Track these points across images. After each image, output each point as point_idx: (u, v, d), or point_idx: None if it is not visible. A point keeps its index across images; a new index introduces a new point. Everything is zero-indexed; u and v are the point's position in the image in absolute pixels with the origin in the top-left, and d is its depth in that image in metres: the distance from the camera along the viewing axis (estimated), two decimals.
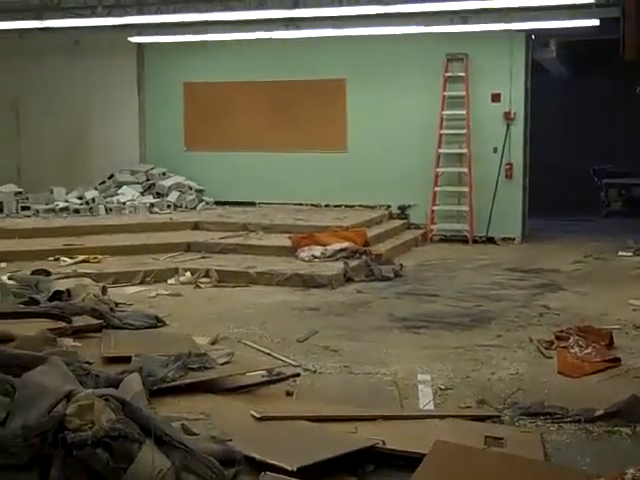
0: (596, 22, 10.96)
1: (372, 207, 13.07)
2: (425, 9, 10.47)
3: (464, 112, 12.53)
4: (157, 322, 6.82)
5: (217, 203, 13.60)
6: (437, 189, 12.76)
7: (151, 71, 14.22)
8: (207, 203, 13.51)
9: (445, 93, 12.64)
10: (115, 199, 12.98)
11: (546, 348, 6.40)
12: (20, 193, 12.85)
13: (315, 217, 12.18)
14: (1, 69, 13.93)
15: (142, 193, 13.37)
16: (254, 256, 10.17)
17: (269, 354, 6.21)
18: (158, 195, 13.38)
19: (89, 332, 5.83)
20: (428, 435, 4.21)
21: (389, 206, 13.09)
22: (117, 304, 7.31)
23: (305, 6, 10.77)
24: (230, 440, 3.88)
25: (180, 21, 11.44)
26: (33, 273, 8.36)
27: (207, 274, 9.28)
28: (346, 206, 13.17)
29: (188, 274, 9.31)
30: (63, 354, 4.55)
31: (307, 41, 12.67)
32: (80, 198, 12.91)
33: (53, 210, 12.47)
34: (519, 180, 12.70)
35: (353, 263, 9.68)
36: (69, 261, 9.61)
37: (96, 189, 13.29)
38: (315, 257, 9.91)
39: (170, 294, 8.64)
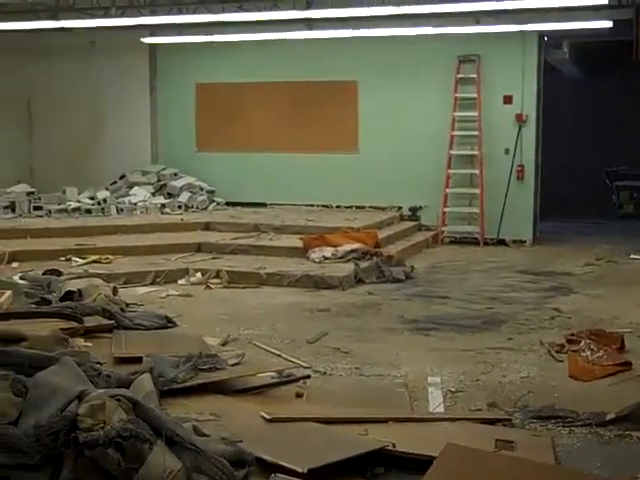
0: (609, 24, 10.93)
1: (383, 208, 13.07)
2: (437, 10, 10.47)
3: (476, 114, 12.50)
4: (168, 323, 6.80)
5: (228, 204, 13.62)
6: (448, 191, 12.75)
7: (164, 72, 14.26)
8: (218, 204, 13.53)
9: (457, 95, 12.63)
10: (126, 199, 13.03)
11: (557, 351, 6.38)
12: (32, 193, 12.90)
13: (326, 218, 12.18)
14: (14, 69, 13.98)
15: (153, 194, 13.42)
16: (265, 257, 10.19)
17: (279, 355, 6.21)
18: (169, 196, 13.41)
19: (100, 332, 5.82)
20: (438, 438, 4.20)
21: (400, 207, 13.08)
22: (128, 304, 7.30)
23: (318, 7, 10.77)
24: (240, 441, 3.88)
25: (193, 22, 11.47)
26: (45, 273, 8.38)
27: (218, 275, 9.30)
28: (357, 207, 13.18)
29: (199, 275, 9.34)
30: (75, 354, 4.55)
31: (320, 42, 12.69)
32: (92, 198, 12.96)
33: (65, 210, 12.52)
34: (530, 182, 12.67)
35: (364, 264, 9.68)
36: (80, 261, 9.64)
37: (108, 189, 13.34)
38: (326, 258, 9.91)
39: (181, 295, 8.67)
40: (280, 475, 3.63)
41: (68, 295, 6.95)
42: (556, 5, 10.10)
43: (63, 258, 9.74)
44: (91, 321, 5.92)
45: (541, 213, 13.21)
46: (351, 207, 13.21)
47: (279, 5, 10.93)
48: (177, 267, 9.60)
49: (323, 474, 3.71)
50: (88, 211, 12.58)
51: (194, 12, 11.48)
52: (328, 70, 13.16)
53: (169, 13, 11.67)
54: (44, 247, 10.18)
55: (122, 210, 12.76)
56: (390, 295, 8.79)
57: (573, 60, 14.51)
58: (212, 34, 12.54)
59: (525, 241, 12.62)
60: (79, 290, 6.98)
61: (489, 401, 5.19)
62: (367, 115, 13.17)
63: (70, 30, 12.12)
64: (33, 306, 6.69)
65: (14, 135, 14.32)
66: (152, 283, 9.11)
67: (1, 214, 12.27)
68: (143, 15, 11.57)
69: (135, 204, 12.89)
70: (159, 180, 13.75)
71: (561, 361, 6.16)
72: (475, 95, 12.52)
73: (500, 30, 11.73)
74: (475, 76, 12.50)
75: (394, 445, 4.10)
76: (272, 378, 5.29)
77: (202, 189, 13.61)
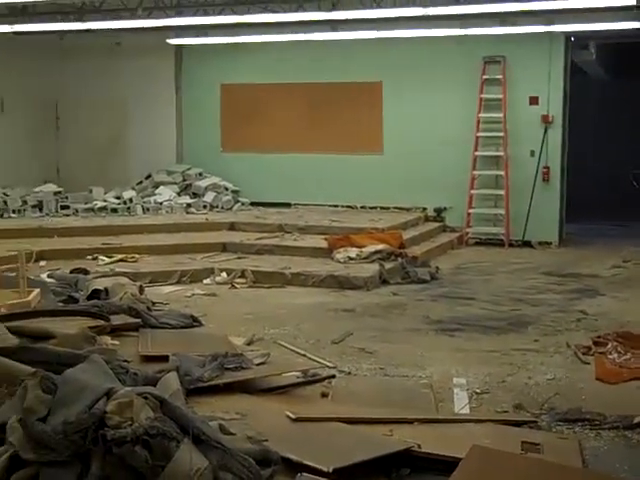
0: (637, 24, 10.83)
1: (408, 209, 13.04)
2: (463, 11, 10.43)
3: (501, 115, 12.44)
4: (193, 322, 6.85)
5: (253, 204, 13.65)
6: (473, 192, 12.70)
7: (189, 73, 14.33)
8: (243, 204, 13.57)
9: (482, 96, 12.57)
10: (152, 199, 13.11)
11: (584, 354, 6.33)
12: (60, 193, 13.03)
13: (350, 219, 12.18)
14: (42, 70, 14.12)
15: (179, 193, 13.49)
16: (290, 257, 10.20)
17: (304, 355, 6.22)
18: (194, 195, 13.47)
19: (126, 331, 5.87)
20: (464, 439, 4.18)
21: (425, 208, 13.04)
22: (154, 303, 7.37)
23: (343, 8, 10.77)
24: (266, 440, 3.89)
25: (218, 23, 11.51)
26: (72, 272, 8.48)
27: (243, 274, 9.34)
28: (382, 208, 13.16)
29: (224, 274, 9.37)
30: (103, 352, 4.59)
31: (345, 43, 12.69)
32: (118, 198, 13.06)
33: (92, 210, 12.62)
34: (556, 183, 12.58)
35: (388, 265, 9.67)
36: (107, 260, 9.72)
37: (133, 189, 13.43)
38: (351, 259, 9.91)
39: (206, 294, 8.71)
40: (306, 474, 3.63)
41: (95, 294, 7.03)
42: (583, 6, 10.03)
43: (90, 257, 9.83)
44: (117, 319, 5.97)
45: (567, 215, 13.12)
46: (375, 208, 13.20)
47: (304, 6, 10.94)
48: (202, 267, 9.64)
49: (348, 474, 3.71)
50: (114, 210, 12.68)
51: (219, 13, 11.53)
52: (353, 71, 13.16)
53: (195, 14, 11.73)
54: (71, 246, 10.28)
55: (148, 210, 12.85)
56: (415, 296, 8.77)
57: (600, 61, 14.39)
58: (237, 35, 12.58)
59: (551, 243, 12.53)
60: (106, 289, 7.05)
61: (515, 403, 5.16)
62: (392, 116, 13.15)
63: (96, 31, 12.22)
64: (61, 304, 6.77)
65: (41, 135, 14.46)
66: (177, 282, 9.16)
67: (29, 213, 12.40)
68: (169, 16, 11.63)
69: (160, 204, 12.97)
70: (184, 180, 13.82)
71: (588, 363, 6.11)
72: (501, 96, 12.46)
73: (526, 31, 11.66)
74: (501, 77, 12.44)
75: (419, 446, 4.09)
76: (297, 378, 5.30)
77: (227, 189, 13.66)
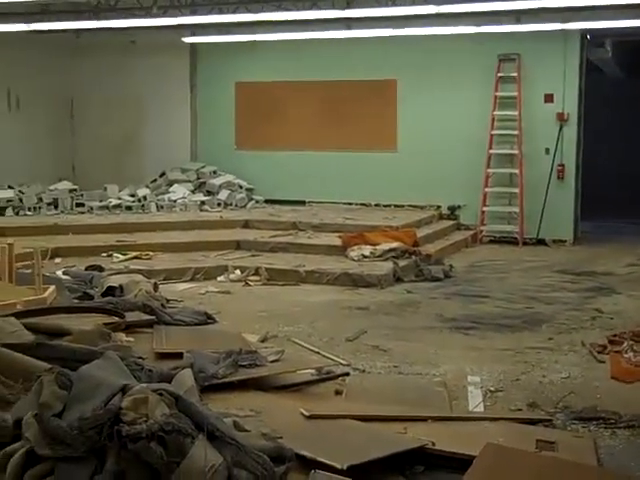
0: None
1: (422, 207, 13.03)
2: (478, 9, 10.40)
3: (516, 113, 12.41)
4: (207, 319, 6.86)
5: (267, 202, 13.67)
6: (487, 190, 12.67)
7: (204, 70, 14.36)
8: (257, 202, 13.59)
9: (497, 93, 12.54)
10: (166, 197, 13.15)
11: (599, 352, 6.31)
12: (75, 190, 13.09)
13: (364, 216, 12.18)
14: (57, 68, 14.18)
15: (193, 191, 13.53)
16: (304, 255, 10.21)
17: (318, 353, 6.23)
18: (208, 193, 13.50)
19: (141, 327, 5.90)
20: (478, 437, 4.18)
21: (439, 206, 13.03)
22: (168, 300, 7.40)
23: (358, 6, 10.76)
24: (280, 437, 3.89)
25: (233, 21, 11.53)
26: (87, 269, 8.52)
27: (257, 272, 9.35)
28: (396, 206, 13.15)
29: (238, 272, 9.39)
30: (118, 349, 4.61)
31: (359, 40, 12.68)
32: (132, 195, 13.11)
33: (106, 207, 12.68)
34: (571, 181, 12.54)
35: (402, 263, 9.66)
36: (121, 257, 9.76)
37: (148, 187, 13.48)
38: (365, 256, 9.91)
39: (220, 291, 8.73)
40: (320, 472, 3.64)
41: (110, 290, 7.06)
42: (598, 3, 9.97)
43: (104, 254, 9.87)
44: (132, 316, 5.99)
45: (582, 212, 13.06)
46: (389, 206, 13.19)
47: (319, 4, 10.94)
48: (216, 264, 9.67)
49: (363, 471, 3.71)
50: (129, 208, 12.73)
51: (234, 12, 11.55)
52: (367, 69, 13.15)
53: (209, 13, 11.75)
54: (86, 243, 10.33)
55: (162, 207, 12.89)
56: (429, 294, 8.76)
57: (616, 59, 14.30)
58: (252, 33, 12.60)
59: (565, 241, 12.49)
60: (120, 286, 7.08)
61: (529, 401, 5.15)
62: (406, 114, 13.13)
63: (112, 30, 12.26)
64: (76, 301, 6.81)
65: (56, 133, 14.53)
66: (192, 279, 9.19)
67: (44, 211, 12.46)
68: (184, 15, 11.67)
69: (175, 201, 13.01)
70: (198, 178, 13.85)
71: (603, 362, 6.09)
72: (515, 94, 12.42)
73: (541, 29, 11.61)
74: (516, 75, 12.40)
75: (434, 444, 4.09)
76: (311, 375, 5.30)
77: (241, 187, 13.68)
